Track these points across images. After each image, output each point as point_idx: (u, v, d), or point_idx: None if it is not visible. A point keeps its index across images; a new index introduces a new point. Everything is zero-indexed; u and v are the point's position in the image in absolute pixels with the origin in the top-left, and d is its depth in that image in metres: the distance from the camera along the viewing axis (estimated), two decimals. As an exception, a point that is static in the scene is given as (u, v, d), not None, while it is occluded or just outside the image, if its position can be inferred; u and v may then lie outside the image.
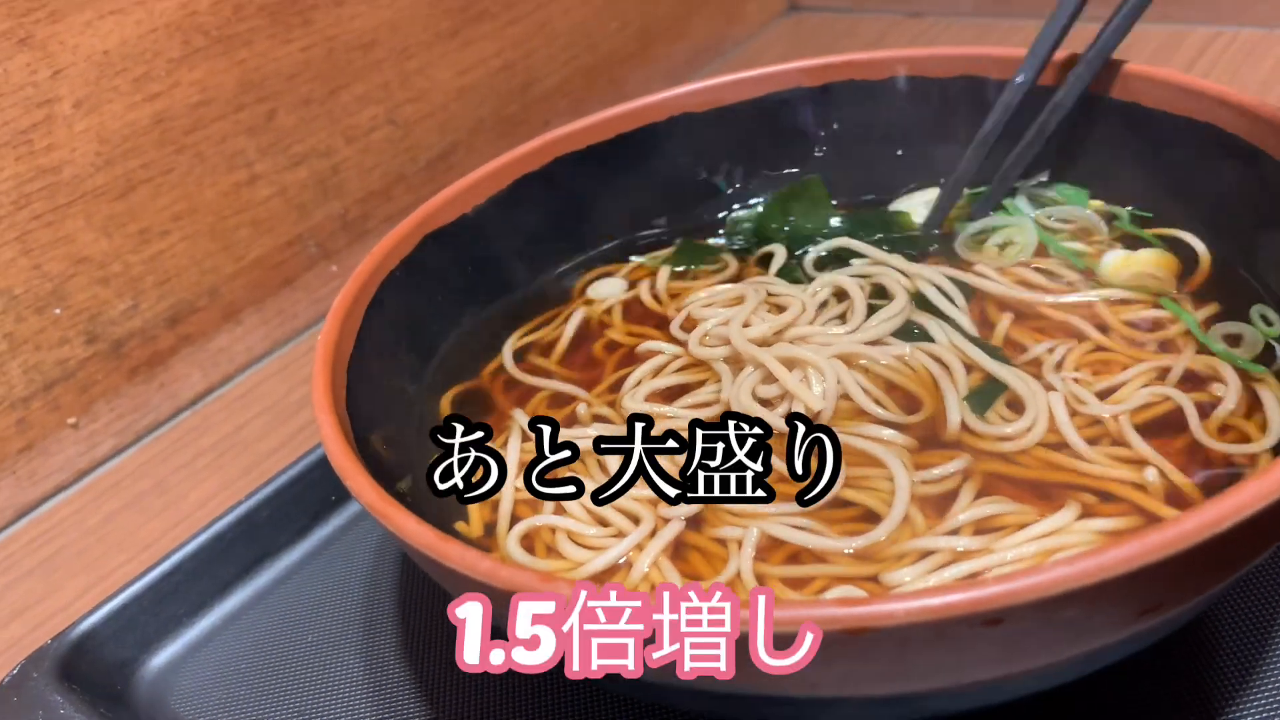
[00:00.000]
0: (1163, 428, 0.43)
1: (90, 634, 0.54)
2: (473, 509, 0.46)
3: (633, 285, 0.59)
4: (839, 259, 0.57)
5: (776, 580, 0.40)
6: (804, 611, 0.30)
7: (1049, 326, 0.50)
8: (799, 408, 0.46)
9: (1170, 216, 0.54)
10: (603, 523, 0.44)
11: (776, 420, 0.45)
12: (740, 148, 0.63)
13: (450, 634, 0.52)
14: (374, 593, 0.57)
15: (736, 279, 0.58)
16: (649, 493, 0.44)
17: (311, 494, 0.61)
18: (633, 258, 0.62)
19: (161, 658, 0.56)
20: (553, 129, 0.60)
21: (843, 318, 0.52)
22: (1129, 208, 0.56)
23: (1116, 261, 0.52)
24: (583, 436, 0.48)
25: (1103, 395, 0.45)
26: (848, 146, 0.62)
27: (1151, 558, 0.29)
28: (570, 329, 0.57)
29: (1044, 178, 0.59)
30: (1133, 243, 0.54)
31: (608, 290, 0.59)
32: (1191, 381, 0.45)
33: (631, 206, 0.63)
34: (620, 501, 0.44)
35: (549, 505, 0.45)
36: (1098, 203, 0.57)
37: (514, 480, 0.47)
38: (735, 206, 0.64)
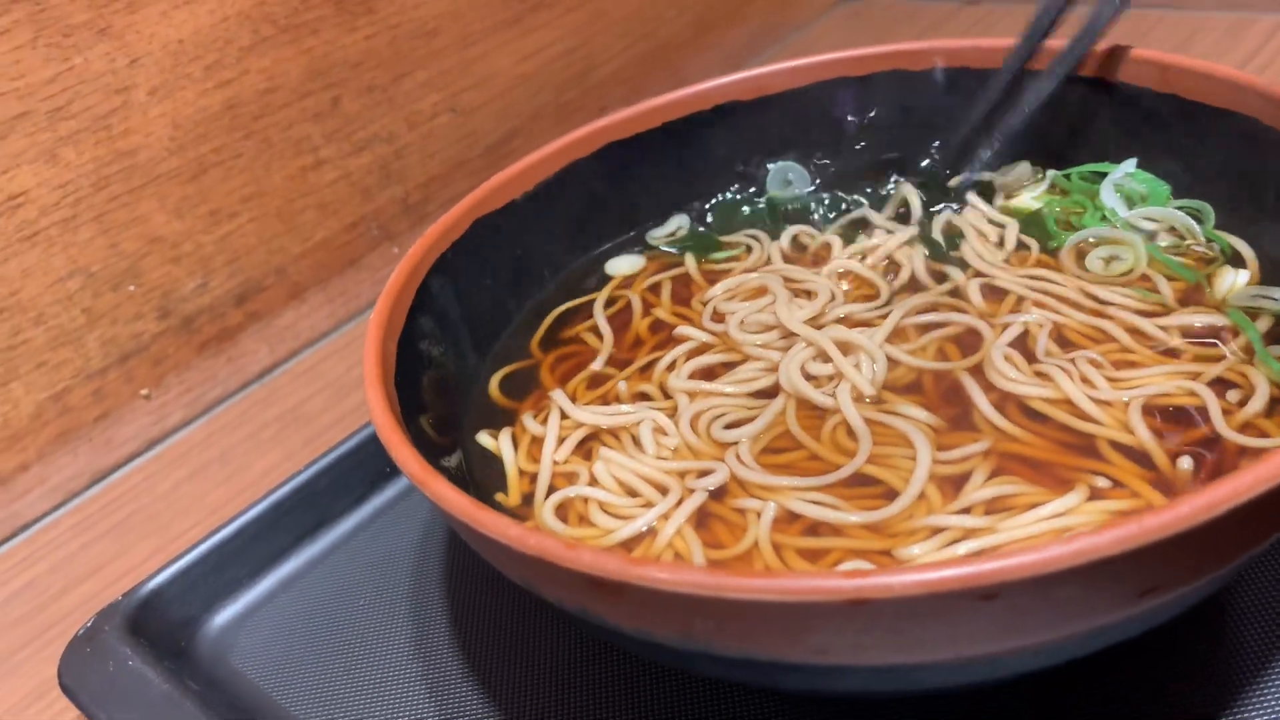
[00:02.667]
0: (1179, 419, 0.44)
1: (157, 592, 0.58)
2: (512, 482, 0.49)
3: (663, 268, 0.61)
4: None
5: (792, 551, 0.41)
6: (808, 582, 0.31)
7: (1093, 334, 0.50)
8: (846, 388, 0.48)
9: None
10: (632, 493, 0.46)
11: (824, 399, 0.47)
12: (784, 136, 0.64)
13: (492, 600, 0.55)
14: (423, 561, 0.59)
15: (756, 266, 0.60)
16: (677, 464, 0.46)
17: (367, 466, 0.64)
18: (650, 236, 0.64)
19: (223, 617, 0.59)
20: (608, 115, 0.63)
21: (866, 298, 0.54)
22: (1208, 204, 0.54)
23: (1239, 284, 0.50)
24: (625, 413, 0.50)
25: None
26: (887, 136, 0.63)
27: (1147, 539, 0.31)
28: (599, 309, 0.58)
29: (1130, 167, 0.58)
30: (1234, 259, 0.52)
31: (624, 266, 0.61)
32: (1219, 384, 0.46)
33: (678, 191, 0.64)
34: (650, 474, 0.46)
35: (583, 476, 0.47)
36: (1183, 201, 0.56)
37: (551, 454, 0.49)
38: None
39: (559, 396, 0.52)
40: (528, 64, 0.91)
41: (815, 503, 0.43)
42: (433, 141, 0.86)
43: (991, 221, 0.59)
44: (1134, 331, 0.49)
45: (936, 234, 0.58)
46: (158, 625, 0.57)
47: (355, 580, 0.59)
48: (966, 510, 0.41)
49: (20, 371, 0.68)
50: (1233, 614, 0.47)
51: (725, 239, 0.62)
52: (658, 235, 0.64)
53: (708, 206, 0.65)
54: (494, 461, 0.51)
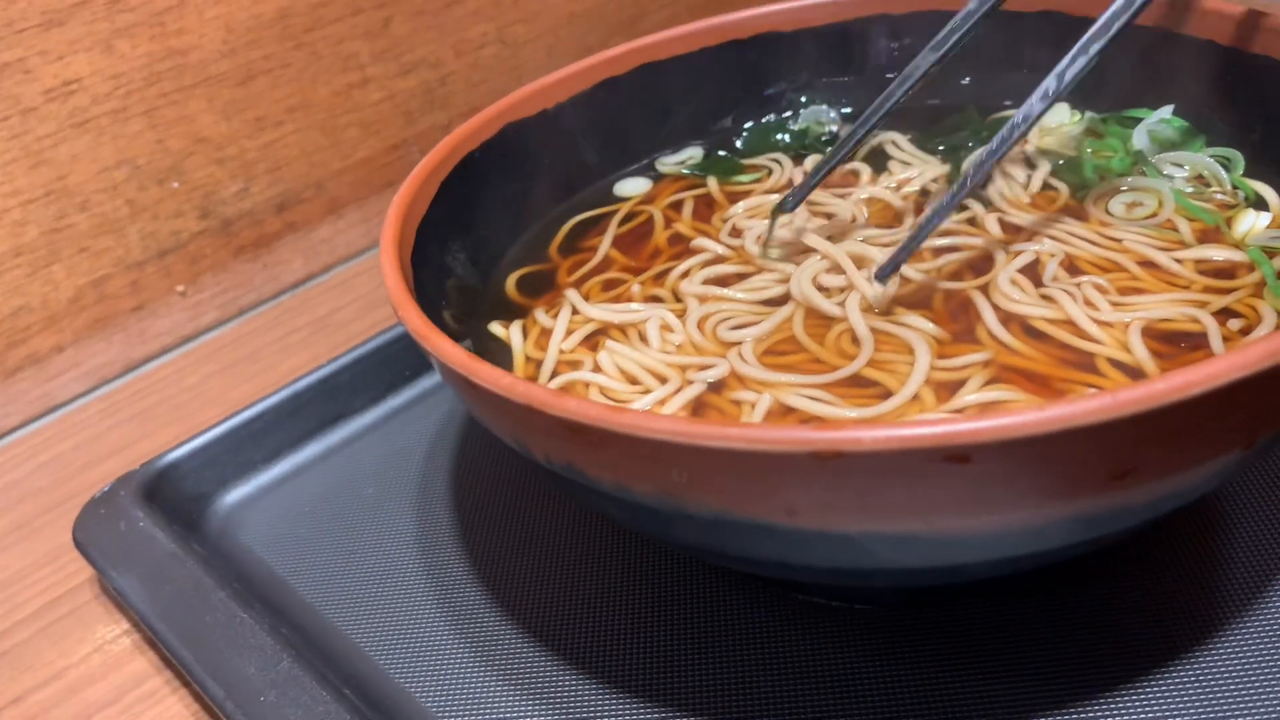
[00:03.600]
0: (1179, 343, 0.44)
1: (174, 465, 0.59)
2: (518, 367, 0.50)
3: (686, 188, 0.62)
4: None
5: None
6: (779, 433, 0.32)
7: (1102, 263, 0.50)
8: (855, 299, 0.48)
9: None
10: (633, 382, 0.46)
11: (833, 308, 0.48)
12: (814, 68, 0.65)
13: (495, 497, 0.56)
14: (432, 459, 0.61)
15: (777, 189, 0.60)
16: (680, 359, 0.47)
17: (389, 367, 0.66)
18: (660, 163, 0.64)
19: (235, 495, 0.60)
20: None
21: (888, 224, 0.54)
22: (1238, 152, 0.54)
23: (1259, 226, 0.50)
24: (634, 311, 0.51)
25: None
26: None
27: (1120, 412, 0.31)
28: (612, 227, 0.59)
29: (1166, 113, 0.57)
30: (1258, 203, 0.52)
31: (633, 188, 0.62)
32: (1224, 315, 0.45)
33: (706, 115, 0.65)
34: (652, 364, 0.47)
35: (587, 364, 0.48)
36: (1217, 149, 0.55)
37: (559, 344, 0.50)
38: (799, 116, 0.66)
39: (572, 294, 0.53)
40: (579, 3, 0.91)
41: (811, 398, 0.43)
42: (478, 71, 0.87)
43: (1027, 162, 0.58)
44: (1146, 264, 0.49)
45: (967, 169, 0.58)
46: (171, 495, 0.58)
47: (365, 472, 0.61)
48: (959, 412, 0.42)
49: (62, 255, 0.70)
50: (1224, 530, 0.47)
51: (748, 162, 0.63)
52: (669, 162, 0.64)
53: (744, 128, 0.65)
54: (504, 351, 0.51)
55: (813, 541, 0.36)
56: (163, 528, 0.55)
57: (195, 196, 0.75)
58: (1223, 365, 0.31)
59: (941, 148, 0.60)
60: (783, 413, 0.43)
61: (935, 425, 0.31)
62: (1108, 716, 0.41)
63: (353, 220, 0.84)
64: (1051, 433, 0.31)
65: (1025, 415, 0.31)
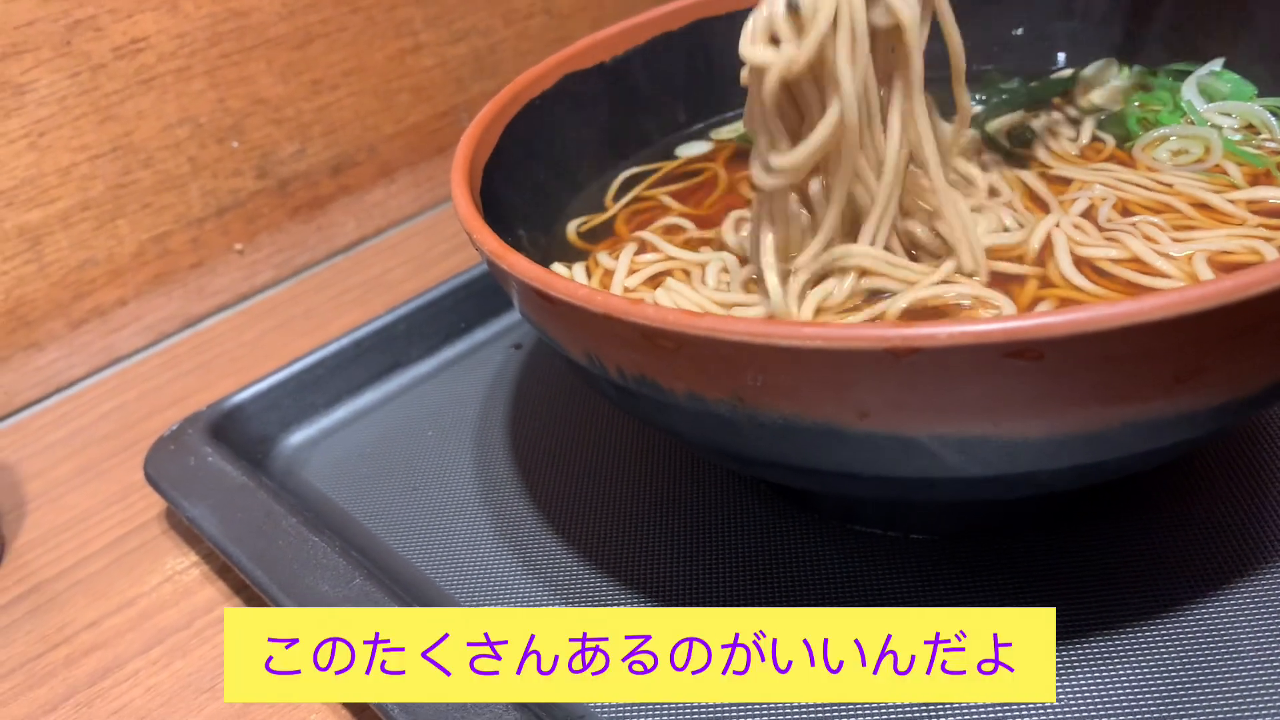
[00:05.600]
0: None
1: (240, 406, 0.61)
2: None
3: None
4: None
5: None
6: (854, 331, 0.33)
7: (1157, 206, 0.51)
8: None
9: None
10: (694, 313, 0.48)
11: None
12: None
13: (551, 436, 0.58)
14: (489, 405, 0.62)
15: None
16: (729, 296, 0.48)
17: (444, 318, 0.67)
18: (715, 132, 0.65)
19: (298, 437, 0.62)
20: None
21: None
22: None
23: None
24: (694, 255, 0.52)
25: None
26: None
27: (1182, 310, 0.32)
28: (670, 178, 0.60)
29: (1216, 66, 0.58)
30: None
31: (694, 150, 0.63)
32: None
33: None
34: (703, 303, 0.48)
35: (649, 299, 0.49)
36: (1268, 100, 0.56)
37: (622, 281, 0.51)
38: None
39: (647, 233, 0.54)
40: (625, -25, 0.93)
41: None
42: (526, 40, 0.89)
43: (1069, 119, 0.59)
44: (1199, 205, 0.50)
45: (999, 135, 0.58)
46: (238, 435, 0.60)
47: (424, 416, 0.62)
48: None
49: (127, 210, 0.72)
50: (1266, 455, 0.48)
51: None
52: (723, 132, 0.65)
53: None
54: (566, 291, 0.53)
55: (882, 446, 0.37)
56: (231, 462, 0.56)
57: (253, 156, 0.77)
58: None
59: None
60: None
61: (1008, 320, 0.32)
62: (1160, 637, 0.42)
63: (404, 184, 0.85)
64: (1120, 327, 0.32)
65: (1095, 310, 0.32)
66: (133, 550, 0.57)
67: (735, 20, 0.64)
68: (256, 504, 0.53)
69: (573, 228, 0.57)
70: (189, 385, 0.71)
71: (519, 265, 0.40)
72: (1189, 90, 0.57)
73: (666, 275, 0.51)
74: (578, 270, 0.53)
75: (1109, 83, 0.61)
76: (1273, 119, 0.54)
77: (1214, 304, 0.32)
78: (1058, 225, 0.48)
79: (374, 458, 0.60)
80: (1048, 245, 0.47)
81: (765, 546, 0.49)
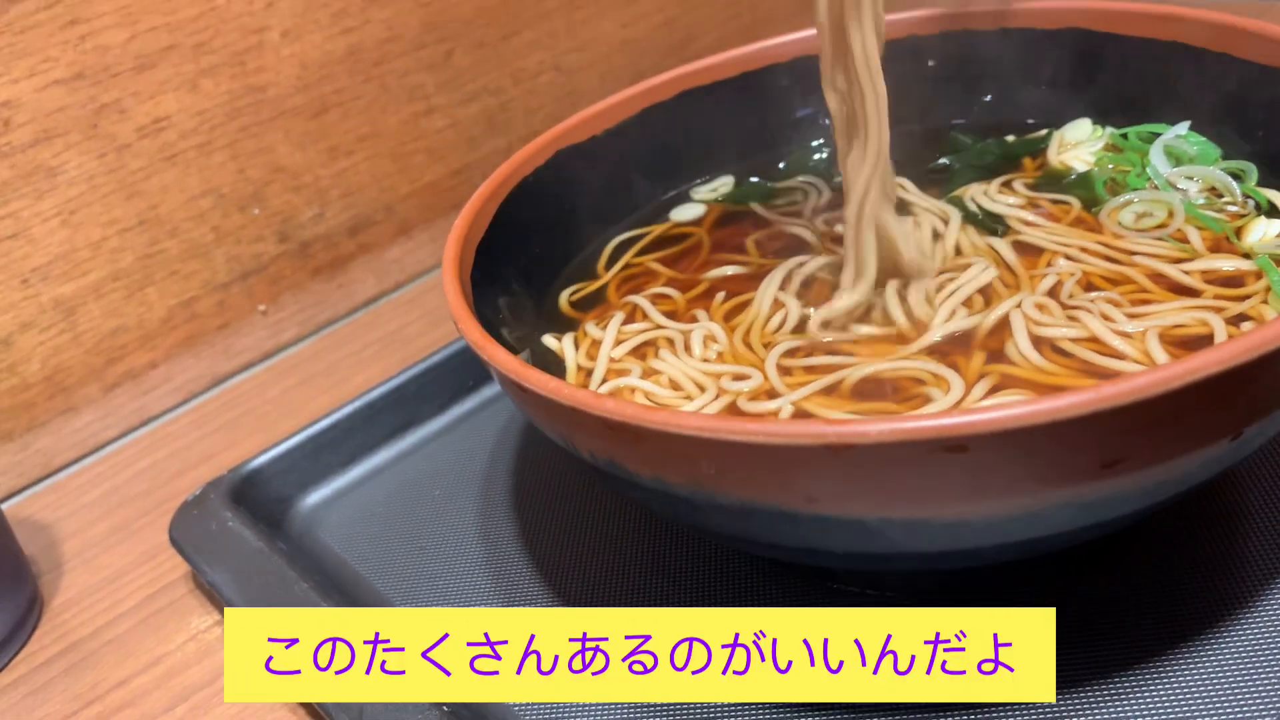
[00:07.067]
0: (1192, 349, 0.46)
1: (259, 470, 0.65)
2: (570, 373, 0.54)
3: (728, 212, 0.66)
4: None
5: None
6: (795, 427, 0.36)
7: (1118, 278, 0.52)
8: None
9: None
10: (676, 388, 0.50)
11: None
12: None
13: (551, 495, 0.60)
14: (495, 462, 0.65)
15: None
16: (717, 367, 0.51)
17: (453, 377, 0.70)
18: (694, 190, 0.68)
19: (315, 497, 0.65)
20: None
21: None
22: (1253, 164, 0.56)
23: (1270, 234, 0.52)
24: (678, 325, 0.55)
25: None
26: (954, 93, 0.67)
27: (1104, 405, 0.34)
28: (656, 246, 0.63)
29: (1182, 129, 0.60)
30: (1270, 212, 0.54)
31: (689, 214, 0.66)
32: (1237, 321, 0.48)
33: (750, 141, 0.69)
34: (692, 373, 0.51)
35: (636, 371, 0.52)
36: (1230, 162, 0.57)
37: (609, 351, 0.54)
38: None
39: (639, 298, 0.57)
40: (630, 30, 0.96)
41: (826, 407, 0.47)
42: (535, 98, 0.92)
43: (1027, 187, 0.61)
44: (1155, 276, 0.51)
45: (970, 205, 0.60)
46: (257, 498, 0.63)
47: (434, 474, 0.65)
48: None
49: (155, 279, 0.76)
50: (1239, 523, 0.50)
51: (780, 185, 0.66)
52: (702, 191, 0.68)
53: (788, 149, 0.69)
54: (559, 363, 0.56)
55: (832, 527, 0.39)
56: (249, 527, 0.60)
57: (274, 222, 0.81)
58: (1198, 361, 0.34)
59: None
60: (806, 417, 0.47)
61: (933, 419, 0.35)
62: (1136, 693, 0.44)
63: (421, 240, 0.89)
64: (1041, 424, 0.34)
65: (1016, 408, 0.34)
66: (160, 610, 0.61)
67: (718, 90, 0.68)
68: (272, 569, 0.56)
69: (565, 296, 0.60)
70: (217, 443, 0.75)
71: (498, 357, 0.43)
72: (1155, 154, 0.59)
73: (651, 346, 0.54)
74: (567, 341, 0.56)
75: (1080, 143, 0.63)
76: (1234, 183, 0.56)
77: (1127, 400, 0.34)
78: (1019, 305, 0.50)
79: (384, 517, 0.63)
80: (1004, 324, 0.50)
81: (756, 606, 0.52)
